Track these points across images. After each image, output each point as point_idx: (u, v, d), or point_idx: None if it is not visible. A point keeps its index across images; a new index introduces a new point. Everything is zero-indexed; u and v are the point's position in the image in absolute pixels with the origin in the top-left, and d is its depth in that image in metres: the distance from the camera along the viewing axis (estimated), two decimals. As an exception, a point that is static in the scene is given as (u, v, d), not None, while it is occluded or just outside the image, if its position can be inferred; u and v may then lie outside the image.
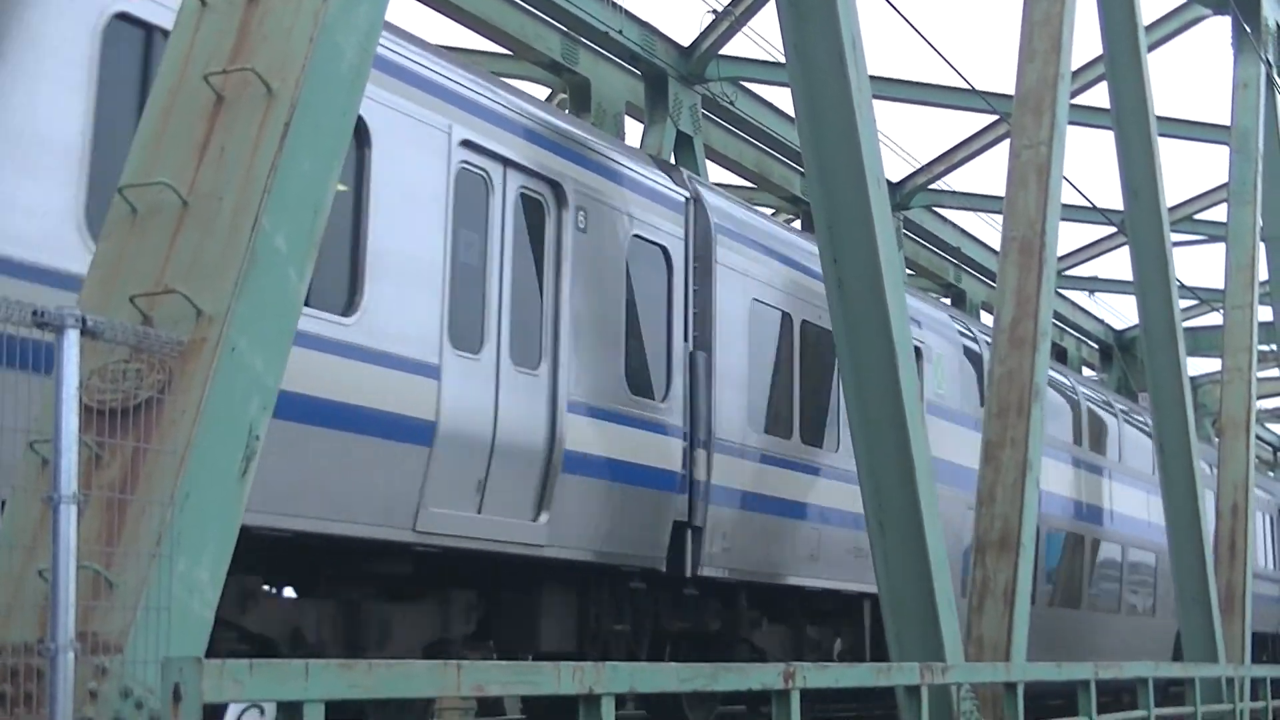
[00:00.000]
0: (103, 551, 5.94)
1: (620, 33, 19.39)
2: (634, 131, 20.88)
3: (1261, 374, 28.07)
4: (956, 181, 28.46)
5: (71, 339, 5.78)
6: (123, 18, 9.19)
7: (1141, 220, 19.24)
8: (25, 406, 5.96)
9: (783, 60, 13.41)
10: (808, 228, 22.07)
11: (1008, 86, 17.03)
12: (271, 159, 6.68)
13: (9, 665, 5.76)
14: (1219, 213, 26.94)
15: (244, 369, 6.51)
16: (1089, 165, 66.96)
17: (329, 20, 6.96)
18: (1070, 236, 32.26)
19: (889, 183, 14.04)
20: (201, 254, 6.58)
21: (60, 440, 5.71)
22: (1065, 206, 17.02)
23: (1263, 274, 23.40)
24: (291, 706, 6.03)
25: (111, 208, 6.86)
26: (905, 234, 28.03)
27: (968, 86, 20.64)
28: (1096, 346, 36.69)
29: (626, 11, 19.48)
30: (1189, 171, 59.42)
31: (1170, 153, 29.20)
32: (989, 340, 17.09)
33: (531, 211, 12.31)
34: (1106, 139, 19.93)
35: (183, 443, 6.18)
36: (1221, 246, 23.33)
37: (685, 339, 13.95)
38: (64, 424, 5.72)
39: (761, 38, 22.29)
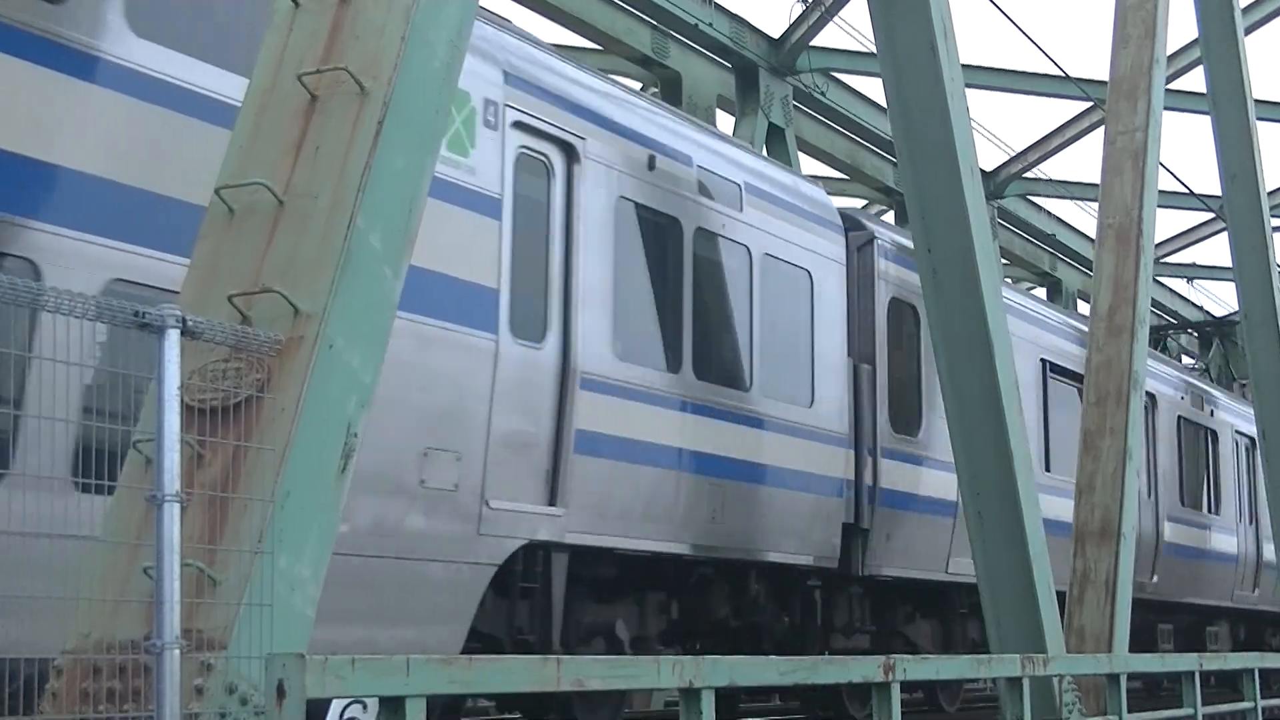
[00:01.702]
0: (205, 549, 6.00)
1: (710, 25, 19.38)
2: (725, 124, 20.86)
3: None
4: (1051, 169, 28.26)
5: (172, 339, 5.82)
6: None
7: (1240, 205, 18.99)
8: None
9: (874, 50, 13.34)
10: (901, 218, 21.95)
11: (1102, 72, 16.87)
12: (365, 157, 6.72)
13: (117, 662, 5.84)
14: (1320, 196, 26.53)
15: (341, 367, 6.55)
16: (1186, 150, 66.18)
17: (420, 18, 6.99)
18: (1168, 223, 31.96)
19: (982, 171, 13.97)
20: (298, 253, 6.63)
21: (163, 440, 5.76)
22: (1162, 193, 16.84)
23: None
24: (393, 702, 6.06)
25: (209, 208, 6.92)
26: (1000, 223, 27.84)
27: (1061, 73, 20.47)
28: (1195, 334, 36.29)
29: (716, 4, 19.47)
30: (1289, 155, 58.61)
31: (1269, 136, 28.77)
32: None
33: None
34: (1204, 123, 19.70)
35: (282, 441, 6.23)
36: (1323, 230, 22.98)
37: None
38: (166, 424, 5.76)
39: (852, 28, 22.27)
